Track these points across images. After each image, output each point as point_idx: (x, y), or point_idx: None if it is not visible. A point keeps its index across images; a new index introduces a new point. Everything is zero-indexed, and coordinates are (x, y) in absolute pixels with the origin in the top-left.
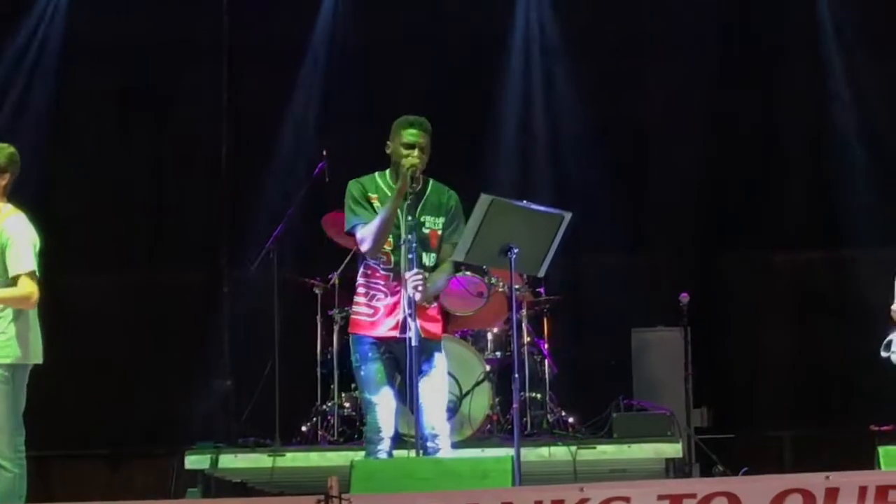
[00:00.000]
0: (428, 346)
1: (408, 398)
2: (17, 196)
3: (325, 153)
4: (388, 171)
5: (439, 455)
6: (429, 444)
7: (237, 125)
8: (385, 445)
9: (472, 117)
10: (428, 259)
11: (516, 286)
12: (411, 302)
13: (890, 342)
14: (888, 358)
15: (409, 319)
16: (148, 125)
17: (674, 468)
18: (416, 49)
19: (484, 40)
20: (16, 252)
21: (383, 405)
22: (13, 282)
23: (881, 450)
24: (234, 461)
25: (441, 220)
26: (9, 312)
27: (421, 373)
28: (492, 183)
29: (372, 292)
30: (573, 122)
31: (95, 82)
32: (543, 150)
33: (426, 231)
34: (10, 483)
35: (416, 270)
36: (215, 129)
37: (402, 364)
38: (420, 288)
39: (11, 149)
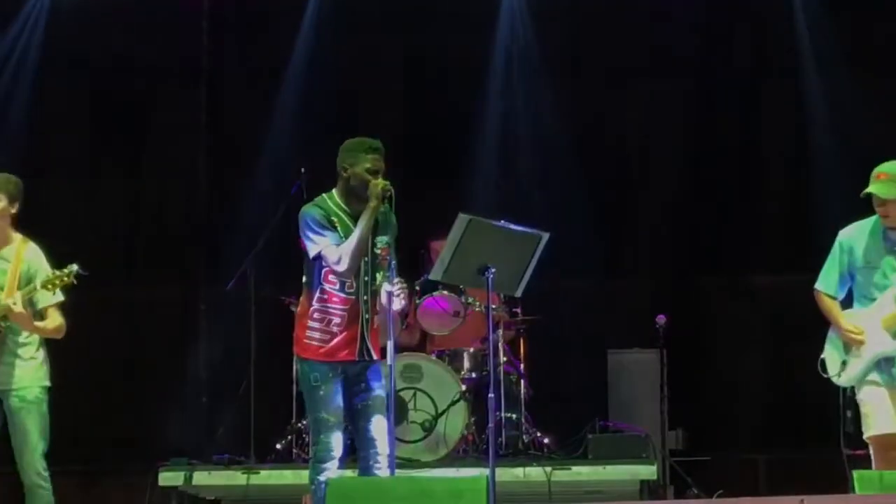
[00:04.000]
0: (377, 367)
1: (387, 414)
2: None
3: (302, 171)
4: (334, 192)
5: (379, 474)
6: (372, 462)
7: (215, 144)
8: (334, 465)
9: (451, 137)
10: (381, 277)
11: (493, 306)
12: (385, 323)
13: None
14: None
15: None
16: (126, 144)
17: (648, 490)
18: (396, 70)
19: (465, 60)
20: None
21: (338, 426)
22: (42, 312)
23: (856, 473)
24: (208, 478)
25: (386, 237)
26: (36, 338)
27: (371, 390)
28: (470, 202)
29: (328, 317)
30: (552, 142)
31: (74, 101)
32: (522, 171)
33: (378, 251)
34: (47, 501)
35: (398, 280)
36: (193, 147)
37: (351, 385)
38: (402, 297)
39: (16, 178)
